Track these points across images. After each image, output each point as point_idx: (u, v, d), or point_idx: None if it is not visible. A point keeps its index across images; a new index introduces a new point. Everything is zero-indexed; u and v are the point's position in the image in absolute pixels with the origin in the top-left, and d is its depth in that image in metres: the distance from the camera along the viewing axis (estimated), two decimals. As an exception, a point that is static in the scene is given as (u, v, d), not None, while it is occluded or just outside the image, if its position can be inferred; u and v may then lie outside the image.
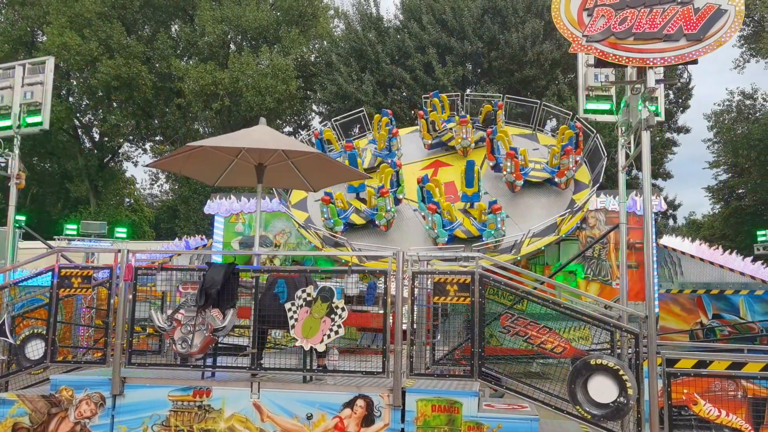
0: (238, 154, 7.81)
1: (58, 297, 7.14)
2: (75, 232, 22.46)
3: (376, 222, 13.08)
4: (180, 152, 7.43)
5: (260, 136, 7.16)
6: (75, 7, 31.36)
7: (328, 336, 6.70)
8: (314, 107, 36.00)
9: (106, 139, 37.85)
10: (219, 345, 7.32)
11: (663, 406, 6.32)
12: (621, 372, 6.23)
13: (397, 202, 13.55)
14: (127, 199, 40.21)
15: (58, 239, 21.71)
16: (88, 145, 38.99)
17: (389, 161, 14.51)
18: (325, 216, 13.22)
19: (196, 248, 18.55)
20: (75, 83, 35.63)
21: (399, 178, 13.70)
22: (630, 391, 6.19)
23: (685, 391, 6.32)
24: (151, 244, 22.69)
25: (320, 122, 32.92)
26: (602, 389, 6.27)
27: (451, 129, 15.16)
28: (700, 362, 6.41)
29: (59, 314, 10.72)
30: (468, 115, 15.31)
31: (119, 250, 7.07)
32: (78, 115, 37.38)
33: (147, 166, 8.45)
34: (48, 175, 39.04)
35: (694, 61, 6.46)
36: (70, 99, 36.49)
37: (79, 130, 38.18)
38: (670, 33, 6.44)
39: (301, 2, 33.73)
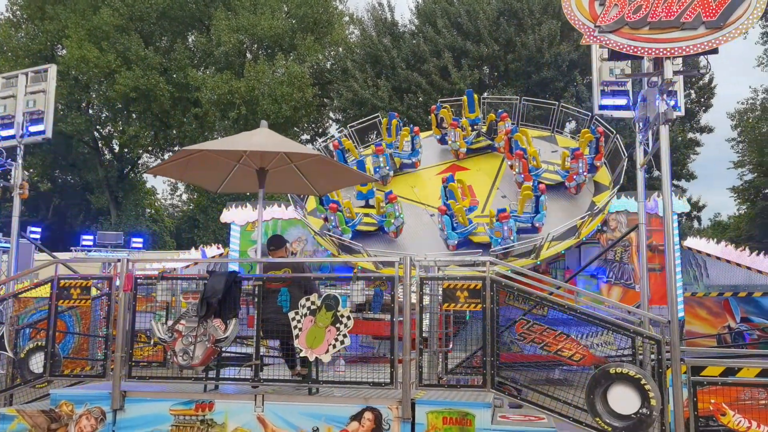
0: (239, 159, 7.58)
1: (57, 308, 6.96)
2: (91, 243, 22.54)
3: (385, 228, 12.72)
4: (177, 157, 7.23)
5: (261, 139, 6.93)
6: (93, 21, 31.71)
7: (334, 346, 6.43)
8: (331, 114, 35.94)
9: (126, 150, 38.15)
10: (224, 353, 7.08)
11: (689, 417, 5.94)
12: (643, 381, 5.87)
13: (384, 231, 12.75)
14: (148, 210, 40.42)
15: (75, 250, 21.77)
16: (108, 156, 39.35)
17: (411, 161, 14.36)
18: (333, 224, 12.90)
19: (213, 257, 18.42)
20: (94, 95, 35.98)
21: (387, 210, 12.59)
22: (653, 402, 5.82)
23: (713, 400, 5.94)
24: (162, 255, 22.65)
25: (337, 129, 32.80)
26: (623, 400, 5.91)
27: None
28: (727, 369, 6.03)
29: (77, 326, 10.56)
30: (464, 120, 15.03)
31: (119, 260, 6.88)
32: (98, 127, 37.75)
33: (145, 172, 8.32)
34: (69, 187, 39.44)
35: (714, 51, 6.11)
36: (90, 111, 36.85)
37: (99, 142, 38.55)
38: (688, 21, 6.09)
39: (316, 9, 33.74)
